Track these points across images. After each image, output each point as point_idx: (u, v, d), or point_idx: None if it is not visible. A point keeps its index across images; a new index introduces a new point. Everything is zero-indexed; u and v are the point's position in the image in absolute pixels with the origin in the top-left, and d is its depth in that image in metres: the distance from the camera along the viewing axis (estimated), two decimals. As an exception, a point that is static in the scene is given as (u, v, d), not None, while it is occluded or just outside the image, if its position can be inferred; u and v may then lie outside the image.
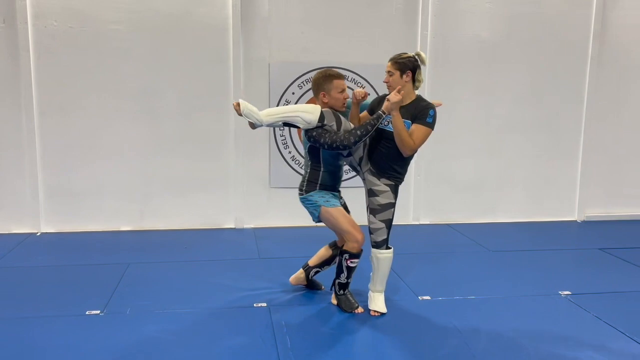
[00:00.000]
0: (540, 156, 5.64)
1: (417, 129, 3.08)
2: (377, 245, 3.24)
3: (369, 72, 5.21)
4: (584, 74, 5.59)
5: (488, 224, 5.58)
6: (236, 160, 5.18)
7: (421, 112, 3.09)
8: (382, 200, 3.18)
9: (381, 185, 3.18)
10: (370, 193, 3.22)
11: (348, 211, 3.42)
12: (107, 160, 5.02)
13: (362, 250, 3.29)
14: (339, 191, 3.44)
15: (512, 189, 5.67)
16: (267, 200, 5.29)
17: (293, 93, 5.16)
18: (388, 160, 3.18)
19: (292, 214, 5.32)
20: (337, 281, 3.38)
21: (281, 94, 5.14)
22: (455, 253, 4.57)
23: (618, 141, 5.75)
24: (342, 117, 3.23)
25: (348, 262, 3.28)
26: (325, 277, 3.69)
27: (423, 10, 5.22)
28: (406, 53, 3.20)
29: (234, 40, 5.00)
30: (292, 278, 3.69)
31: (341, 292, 3.40)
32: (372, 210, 3.21)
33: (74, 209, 5.02)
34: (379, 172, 3.20)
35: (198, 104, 5.07)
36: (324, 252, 3.58)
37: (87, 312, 3.31)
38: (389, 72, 3.16)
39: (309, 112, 3.11)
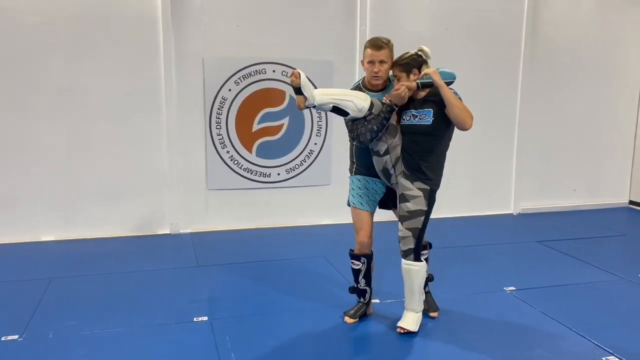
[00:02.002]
0: (476, 151, 5.70)
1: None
2: (403, 254, 3.04)
3: (307, 68, 5.02)
4: (517, 70, 5.71)
5: (429, 220, 5.59)
6: (170, 161, 4.86)
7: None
8: (412, 206, 2.96)
9: (414, 189, 2.96)
10: (402, 198, 3.00)
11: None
12: (24, 164, 4.56)
13: (364, 255, 3.17)
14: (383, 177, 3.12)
15: (450, 184, 5.64)
16: (204, 203, 5.02)
17: (230, 90, 4.90)
18: (416, 158, 2.97)
19: (232, 216, 5.11)
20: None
21: (217, 90, 4.87)
22: (391, 251, 4.50)
23: (550, 135, 5.93)
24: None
25: (351, 262, 3.21)
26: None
27: (362, 5, 5.12)
28: (408, 53, 3.04)
29: (164, 32, 4.68)
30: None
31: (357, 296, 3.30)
32: (401, 217, 3.01)
33: (-14, 219, 4.54)
34: (412, 174, 2.98)
35: (126, 101, 4.71)
36: None
37: (2, 338, 2.94)
38: (396, 76, 3.02)
39: (361, 99, 2.93)
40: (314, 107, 2.93)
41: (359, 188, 3.16)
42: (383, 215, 3.40)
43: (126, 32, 4.63)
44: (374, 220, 3.21)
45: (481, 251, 4.61)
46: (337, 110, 2.96)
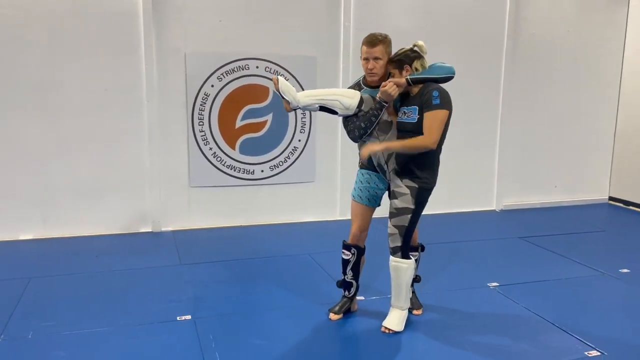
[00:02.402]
0: (459, 148, 5.71)
1: (426, 117, 2.86)
2: (391, 252, 3.03)
3: (291, 63, 5.02)
4: (500, 68, 5.75)
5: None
6: (151, 158, 4.79)
7: (426, 98, 2.88)
8: (399, 203, 2.95)
9: (402, 187, 2.96)
10: (392, 195, 3.01)
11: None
12: (1, 161, 4.46)
13: (355, 246, 3.17)
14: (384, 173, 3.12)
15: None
16: (187, 201, 4.96)
17: (212, 86, 4.85)
18: (405, 156, 2.95)
19: (215, 214, 5.06)
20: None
21: (199, 86, 4.82)
22: (382, 249, 4.50)
23: (532, 133, 5.98)
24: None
25: (342, 252, 3.22)
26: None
27: (345, 0, 5.10)
28: (402, 48, 3.00)
29: (145, 27, 4.60)
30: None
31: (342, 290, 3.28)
32: (390, 214, 3.01)
33: (-38, 218, 4.43)
34: (402, 171, 2.97)
35: (107, 97, 4.63)
36: None
37: (-21, 340, 2.88)
38: (391, 73, 3.00)
39: (348, 97, 2.97)
40: (300, 108, 2.97)
41: (361, 182, 3.19)
42: (382, 212, 3.38)
43: (106, 26, 4.54)
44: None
45: (464, 247, 4.63)
46: (326, 109, 2.99)
